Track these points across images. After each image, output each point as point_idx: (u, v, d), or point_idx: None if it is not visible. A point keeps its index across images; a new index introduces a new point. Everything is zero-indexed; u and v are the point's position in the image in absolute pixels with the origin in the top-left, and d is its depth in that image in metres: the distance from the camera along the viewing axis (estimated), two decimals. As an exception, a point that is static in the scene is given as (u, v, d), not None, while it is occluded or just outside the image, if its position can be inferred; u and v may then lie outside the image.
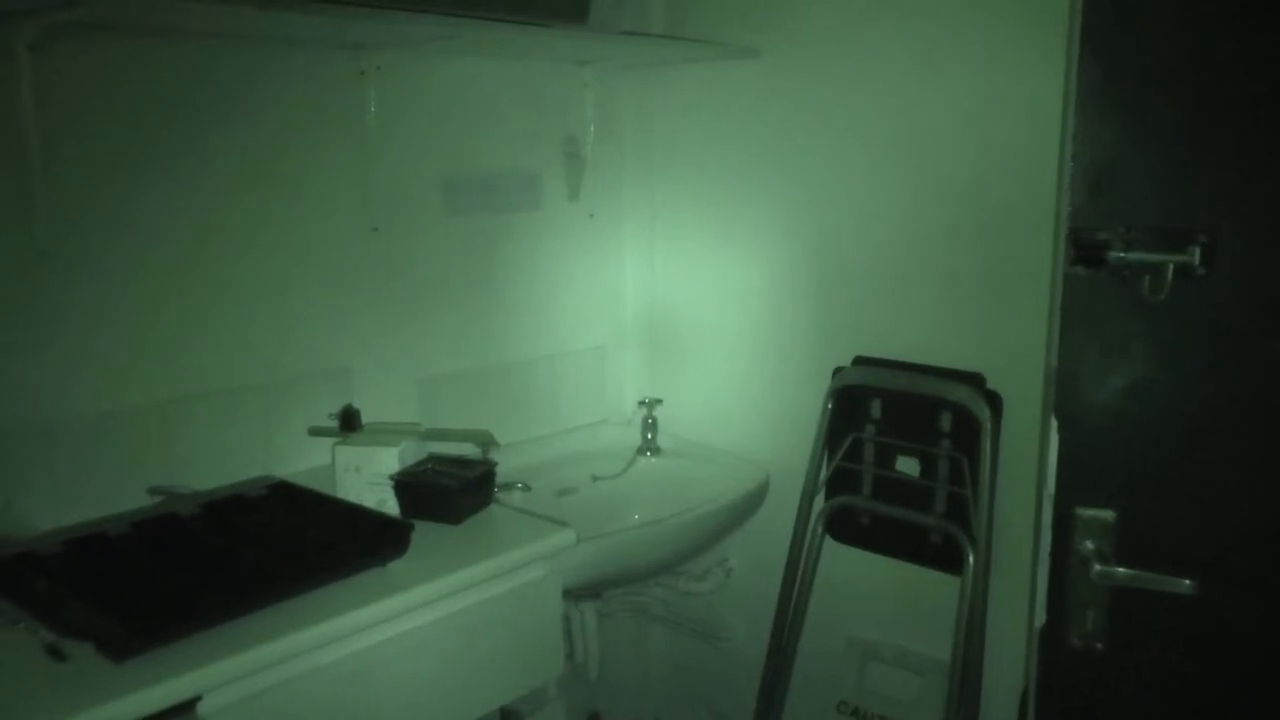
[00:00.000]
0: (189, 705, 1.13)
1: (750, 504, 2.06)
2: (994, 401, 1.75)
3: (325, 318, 1.81)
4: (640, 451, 2.18)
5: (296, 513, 1.53)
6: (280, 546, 1.40)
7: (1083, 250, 1.13)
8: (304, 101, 1.73)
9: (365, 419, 1.72)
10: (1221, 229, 1.09)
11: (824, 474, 1.95)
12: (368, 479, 1.60)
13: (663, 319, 2.29)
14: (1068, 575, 1.15)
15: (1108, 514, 1.15)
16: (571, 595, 1.79)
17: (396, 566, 1.41)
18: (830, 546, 1.98)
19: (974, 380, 1.78)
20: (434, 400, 1.96)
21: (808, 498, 1.96)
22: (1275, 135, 1.08)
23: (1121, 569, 1.13)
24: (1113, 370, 1.14)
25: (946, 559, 1.80)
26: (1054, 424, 1.15)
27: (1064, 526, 1.15)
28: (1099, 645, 1.16)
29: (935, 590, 1.83)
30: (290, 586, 1.29)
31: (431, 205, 1.96)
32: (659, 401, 2.19)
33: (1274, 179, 1.08)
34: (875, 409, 1.91)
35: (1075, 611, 1.15)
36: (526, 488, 1.83)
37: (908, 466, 1.88)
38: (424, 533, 1.49)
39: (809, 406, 1.97)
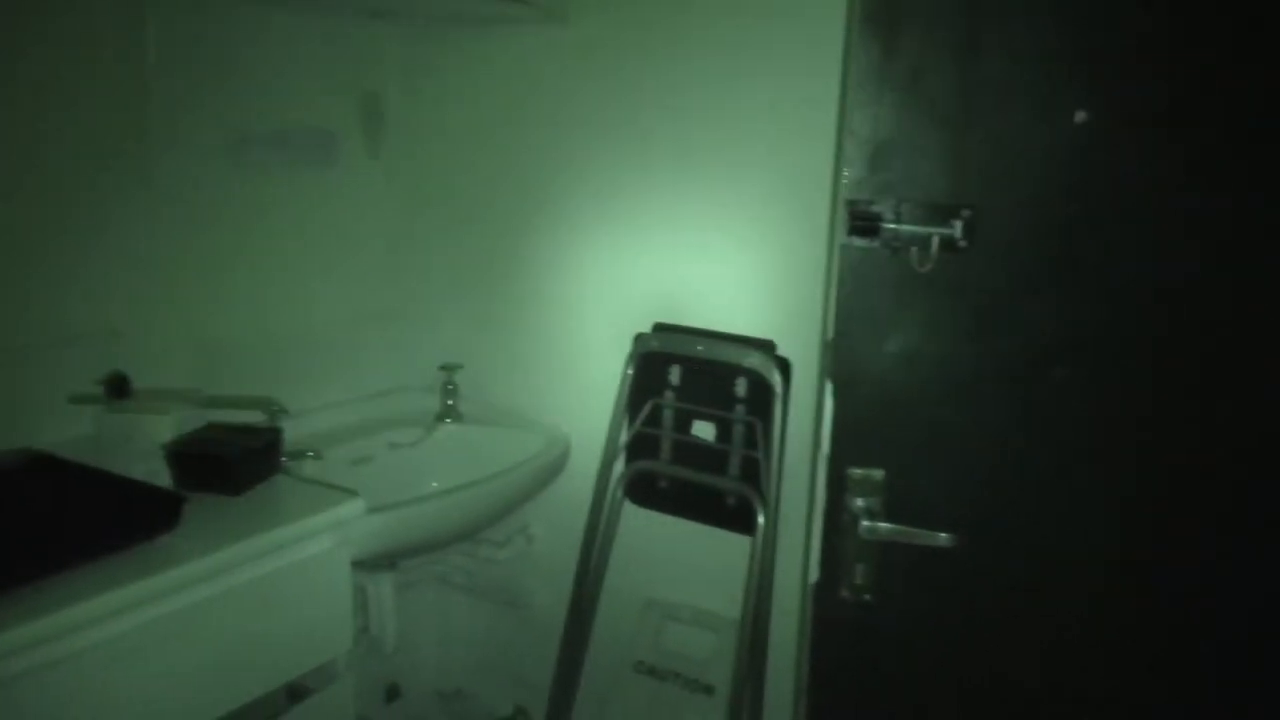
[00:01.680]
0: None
1: (552, 470, 2.06)
2: (785, 367, 1.81)
3: (91, 277, 1.67)
4: (440, 418, 2.14)
5: (56, 487, 1.41)
6: (35, 523, 1.30)
7: (858, 222, 1.18)
8: (68, 39, 1.59)
9: (138, 386, 1.61)
10: (983, 204, 1.16)
11: (624, 439, 1.98)
12: (138, 449, 1.51)
13: (466, 282, 2.24)
14: (839, 532, 1.21)
15: (878, 473, 1.22)
16: (365, 566, 1.74)
17: (168, 541, 1.33)
18: (630, 510, 2.01)
19: (766, 347, 1.84)
20: (218, 367, 1.85)
21: (608, 463, 1.98)
22: (1030, 118, 1.15)
23: (886, 525, 1.19)
24: (884, 338, 1.20)
25: (740, 520, 1.86)
26: (829, 388, 1.20)
27: (837, 486, 1.21)
28: (867, 597, 1.22)
29: (730, 550, 1.89)
30: (42, 567, 1.20)
31: (218, 159, 1.84)
32: (459, 367, 2.15)
33: (1029, 159, 1.16)
34: (674, 375, 1.94)
35: (846, 566, 1.22)
36: (317, 456, 1.77)
37: (704, 431, 1.93)
38: (201, 505, 1.41)
39: (611, 372, 1.98)
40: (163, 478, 1.48)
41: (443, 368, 2.15)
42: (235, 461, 1.48)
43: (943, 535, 1.19)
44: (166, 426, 1.51)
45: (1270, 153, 1.09)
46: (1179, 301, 1.14)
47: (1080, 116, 1.12)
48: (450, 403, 2.15)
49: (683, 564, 2.02)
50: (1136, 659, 1.22)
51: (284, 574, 1.42)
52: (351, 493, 1.53)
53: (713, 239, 1.89)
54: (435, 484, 1.99)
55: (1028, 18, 1.13)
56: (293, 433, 1.78)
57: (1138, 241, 1.15)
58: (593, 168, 2.01)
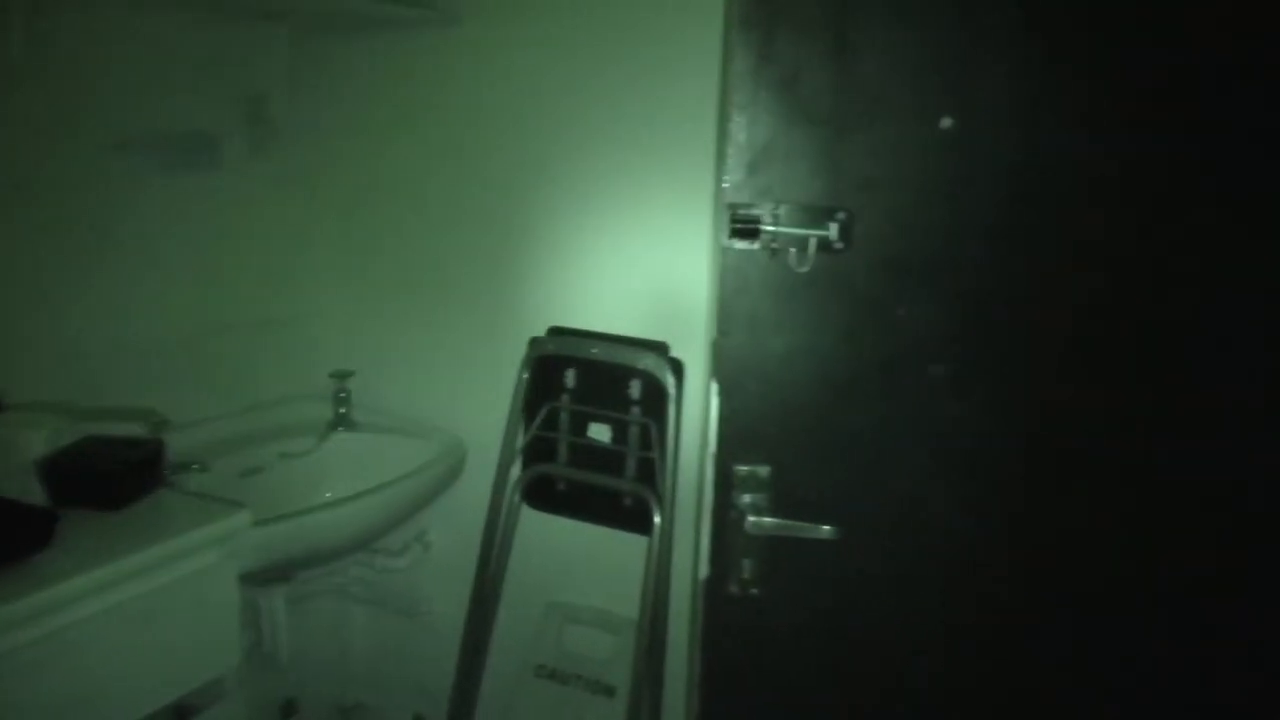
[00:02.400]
0: None
1: (448, 476, 2.04)
2: (677, 368, 1.84)
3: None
4: (332, 426, 2.10)
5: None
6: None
7: (738, 225, 1.20)
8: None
9: (9, 400, 1.54)
10: (858, 206, 1.20)
11: (521, 443, 1.98)
12: (10, 466, 1.44)
13: (357, 287, 2.21)
14: (727, 527, 1.23)
15: (763, 470, 1.24)
16: (257, 579, 1.70)
17: (41, 560, 1.28)
18: (529, 514, 2.01)
19: (659, 349, 1.86)
20: (96, 377, 1.78)
21: (505, 467, 1.98)
22: (900, 123, 1.19)
23: (771, 519, 1.22)
24: (766, 337, 1.23)
25: (638, 520, 1.88)
26: (715, 387, 1.23)
27: (724, 482, 1.23)
28: (755, 591, 1.25)
29: (629, 551, 1.91)
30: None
31: (95, 162, 1.77)
32: (351, 374, 2.12)
33: (900, 162, 1.20)
34: (570, 378, 1.95)
35: (734, 561, 1.24)
36: (204, 468, 1.72)
37: (600, 433, 1.94)
38: (77, 522, 1.37)
39: (506, 376, 1.98)
40: (39, 495, 1.43)
41: (334, 375, 2.12)
42: (113, 475, 1.43)
43: (825, 528, 1.22)
44: (39, 441, 1.45)
45: (1132, 148, 1.15)
46: (1049, 298, 1.20)
47: (946, 122, 1.17)
48: (343, 411, 2.11)
49: (583, 566, 2.03)
50: (1019, 647, 1.27)
51: (166, 590, 1.38)
52: (238, 505, 1.49)
53: (607, 241, 1.90)
54: (329, 494, 1.96)
55: (895, 24, 1.17)
56: (179, 445, 1.73)
57: (1005, 242, 1.20)
58: (485, 170, 2.01)
